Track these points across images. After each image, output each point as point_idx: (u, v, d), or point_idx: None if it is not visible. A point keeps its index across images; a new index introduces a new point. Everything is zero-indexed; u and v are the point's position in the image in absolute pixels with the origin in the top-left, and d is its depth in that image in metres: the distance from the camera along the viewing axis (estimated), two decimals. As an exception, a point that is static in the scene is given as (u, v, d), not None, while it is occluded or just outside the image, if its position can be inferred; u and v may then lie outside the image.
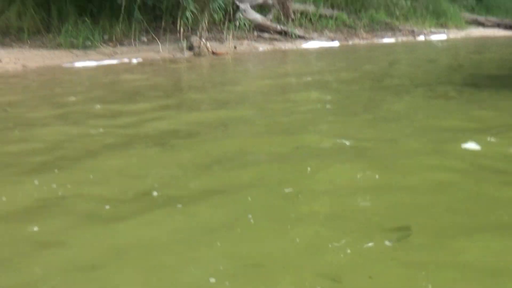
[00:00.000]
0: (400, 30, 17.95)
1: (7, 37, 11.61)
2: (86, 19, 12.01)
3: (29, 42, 11.54)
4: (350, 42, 15.85)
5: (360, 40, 16.24)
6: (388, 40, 16.88)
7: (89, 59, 10.84)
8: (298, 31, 15.15)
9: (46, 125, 5.14)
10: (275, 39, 14.50)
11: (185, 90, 8.07)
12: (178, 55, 12.08)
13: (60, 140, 4.47)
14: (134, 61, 11.06)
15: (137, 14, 12.31)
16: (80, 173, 3.54)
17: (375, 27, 17.58)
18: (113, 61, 10.92)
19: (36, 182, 3.32)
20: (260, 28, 14.61)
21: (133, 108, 5.95)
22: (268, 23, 14.85)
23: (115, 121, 5.21)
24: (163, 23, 13.00)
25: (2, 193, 3.13)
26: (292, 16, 15.62)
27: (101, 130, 4.80)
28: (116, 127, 4.94)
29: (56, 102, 6.53)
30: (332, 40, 15.55)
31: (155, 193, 3.10)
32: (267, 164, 3.66)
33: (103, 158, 3.91)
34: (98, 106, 6.06)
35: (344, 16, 17.19)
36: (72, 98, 6.72)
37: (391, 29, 17.88)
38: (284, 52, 13.67)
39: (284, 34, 14.78)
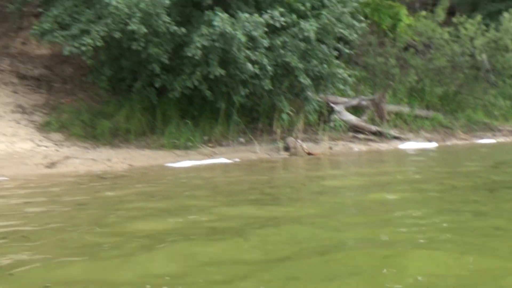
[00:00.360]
0: (500, 130, 17.39)
1: (116, 138, 12.33)
2: (188, 121, 12.61)
3: (135, 143, 12.18)
4: (448, 143, 15.50)
5: (458, 141, 15.86)
6: (488, 140, 16.34)
7: (190, 159, 11.17)
8: (393, 132, 15.05)
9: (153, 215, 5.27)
10: (370, 140, 14.45)
11: (282, 187, 8.05)
12: (275, 155, 12.26)
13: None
14: (232, 161, 11.28)
15: (235, 116, 12.79)
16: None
17: (473, 127, 17.17)
18: (212, 161, 11.18)
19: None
20: (355, 129, 14.67)
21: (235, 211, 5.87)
22: (363, 124, 14.90)
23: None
24: (260, 125, 13.40)
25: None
26: (387, 117, 15.62)
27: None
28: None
29: (159, 197, 6.71)
30: (429, 141, 15.28)
31: None
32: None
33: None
34: (197, 202, 6.14)
35: (440, 116, 16.96)
36: (176, 196, 6.88)
37: (490, 129, 17.40)
38: (380, 153, 13.50)
39: (379, 135, 14.72)
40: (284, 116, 12.93)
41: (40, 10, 12.69)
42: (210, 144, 12.58)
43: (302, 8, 12.69)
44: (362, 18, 13.84)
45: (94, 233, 4.54)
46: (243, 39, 10.92)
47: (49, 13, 11.70)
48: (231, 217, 5.09)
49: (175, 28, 11.15)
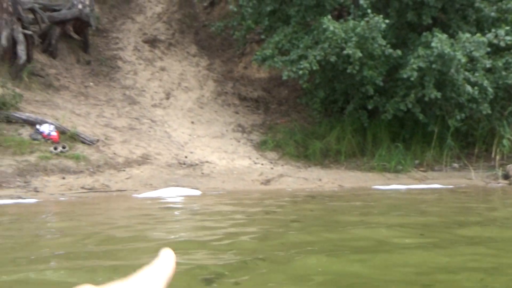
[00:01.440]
0: None
1: (327, 159, 12.64)
2: (399, 144, 12.44)
3: (345, 164, 12.36)
4: None
5: None
6: None
7: (400, 183, 10.99)
8: None
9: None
10: None
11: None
12: (492, 183, 11.46)
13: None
14: (444, 187, 10.79)
15: (449, 140, 12.26)
16: None
17: None
18: (423, 186, 10.84)
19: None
20: None
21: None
22: None
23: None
24: (476, 150, 12.68)
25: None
26: None
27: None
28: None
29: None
30: None
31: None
32: None
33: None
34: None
35: None
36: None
37: None
38: None
39: None
40: (505, 142, 12.04)
41: (262, 37, 13.57)
42: (421, 169, 12.25)
43: (531, 26, 11.76)
44: None
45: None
46: (463, 59, 10.48)
47: (271, 40, 12.49)
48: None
49: (391, 50, 11.16)
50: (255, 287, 3.49)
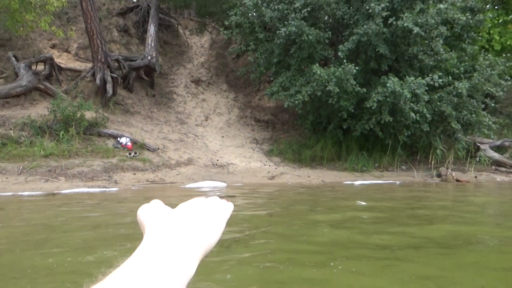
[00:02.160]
0: None
1: (314, 162, 12.44)
2: (364, 152, 12.21)
3: (326, 166, 12.13)
4: None
5: None
6: None
7: (364, 179, 10.73)
8: (533, 167, 12.53)
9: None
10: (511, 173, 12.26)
11: (435, 208, 7.19)
12: (429, 180, 11.14)
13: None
14: (396, 182, 10.52)
15: (399, 150, 11.98)
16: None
17: None
18: (380, 182, 10.57)
19: None
20: (498, 164, 12.62)
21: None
22: (505, 160, 12.76)
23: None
24: (418, 157, 12.36)
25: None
26: (527, 155, 13.11)
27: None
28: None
29: (346, 205, 6.46)
30: None
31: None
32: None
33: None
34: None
35: None
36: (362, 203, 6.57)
37: None
38: (520, 183, 11.34)
39: (520, 169, 12.40)
40: (438, 151, 11.74)
41: (271, 78, 13.49)
42: (379, 169, 11.97)
43: (457, 71, 11.45)
44: (508, 78, 11.95)
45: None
46: (409, 95, 10.23)
47: (277, 81, 12.38)
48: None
49: (359, 88, 10.94)
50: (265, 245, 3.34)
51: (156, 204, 0.56)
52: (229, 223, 0.56)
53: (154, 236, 0.48)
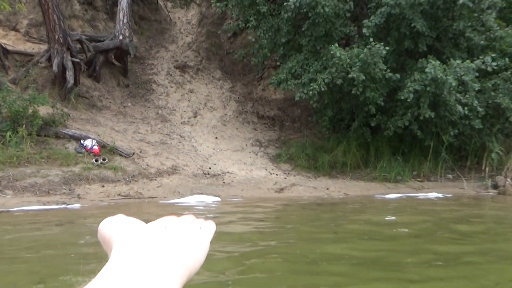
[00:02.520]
0: None
1: (334, 170, 12.63)
2: (398, 157, 12.39)
3: (350, 175, 12.32)
4: None
5: None
6: None
7: (399, 192, 10.91)
8: None
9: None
10: None
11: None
12: (482, 192, 11.33)
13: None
14: (439, 195, 10.70)
15: (444, 154, 12.17)
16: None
17: None
18: (419, 195, 10.75)
19: None
20: None
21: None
22: None
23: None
24: (468, 163, 12.54)
25: None
26: None
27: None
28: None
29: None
30: None
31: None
32: None
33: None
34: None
35: None
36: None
37: None
38: None
39: None
40: (494, 156, 11.92)
41: (278, 63, 13.70)
42: (418, 179, 12.17)
43: (515, 52, 11.67)
44: None
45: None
46: (454, 83, 10.43)
47: (285, 66, 12.60)
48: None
49: (390, 74, 11.13)
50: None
51: (123, 218, 0.60)
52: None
53: (125, 253, 0.50)
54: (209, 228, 0.62)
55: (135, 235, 0.54)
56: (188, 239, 0.56)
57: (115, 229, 0.57)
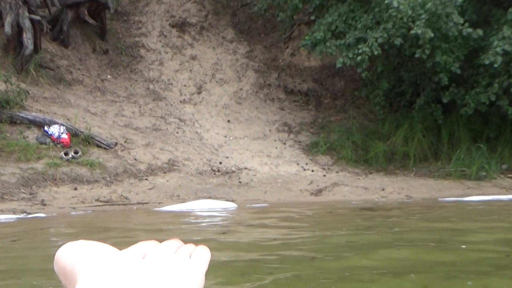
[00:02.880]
0: None
1: (392, 163, 12.48)
2: (481, 145, 12.14)
3: (414, 170, 12.16)
4: None
5: None
6: None
7: (483, 193, 10.64)
8: None
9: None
10: None
11: None
12: None
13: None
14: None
15: (545, 140, 11.93)
16: None
17: None
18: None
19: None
20: None
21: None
22: None
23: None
24: None
25: None
26: None
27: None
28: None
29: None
30: None
31: None
32: None
33: None
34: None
35: None
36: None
37: None
38: None
39: None
40: None
41: (313, 17, 13.52)
42: (510, 175, 11.88)
43: None
44: None
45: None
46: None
47: (322, 21, 12.45)
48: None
49: (470, 30, 10.87)
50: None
51: (87, 244, 0.61)
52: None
53: None
54: (201, 256, 0.62)
55: (104, 267, 0.54)
56: (175, 271, 0.56)
57: (78, 258, 0.57)
